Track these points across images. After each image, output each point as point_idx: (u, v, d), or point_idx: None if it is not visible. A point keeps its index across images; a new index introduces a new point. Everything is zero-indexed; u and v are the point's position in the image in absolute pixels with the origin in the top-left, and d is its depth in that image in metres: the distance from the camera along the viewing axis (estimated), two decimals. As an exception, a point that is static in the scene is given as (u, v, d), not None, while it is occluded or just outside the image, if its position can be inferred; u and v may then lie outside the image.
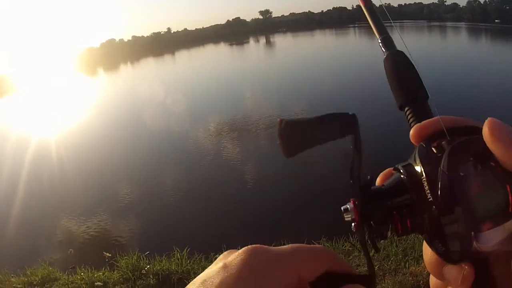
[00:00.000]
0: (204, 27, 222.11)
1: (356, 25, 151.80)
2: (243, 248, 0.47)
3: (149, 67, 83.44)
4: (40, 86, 66.66)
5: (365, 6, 0.82)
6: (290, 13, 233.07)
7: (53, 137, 21.99)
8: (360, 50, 64.71)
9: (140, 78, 57.04)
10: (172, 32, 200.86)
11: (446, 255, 0.46)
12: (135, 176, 14.43)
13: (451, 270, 0.47)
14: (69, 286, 5.34)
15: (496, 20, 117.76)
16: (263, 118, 20.09)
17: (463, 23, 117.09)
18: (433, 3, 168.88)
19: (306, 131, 0.49)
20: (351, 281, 0.47)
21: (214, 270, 0.45)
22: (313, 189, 11.45)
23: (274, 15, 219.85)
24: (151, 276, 5.23)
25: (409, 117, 0.57)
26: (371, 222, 0.48)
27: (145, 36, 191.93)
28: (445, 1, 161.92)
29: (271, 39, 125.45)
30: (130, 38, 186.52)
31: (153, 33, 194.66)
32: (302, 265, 0.47)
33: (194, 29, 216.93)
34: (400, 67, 0.64)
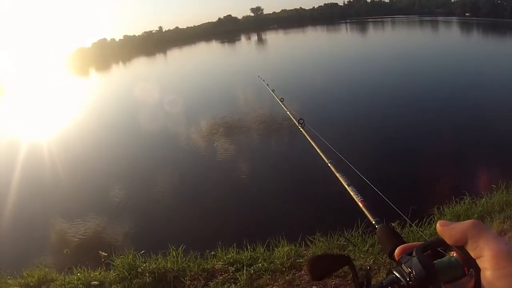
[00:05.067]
0: (195, 25, 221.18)
1: (347, 21, 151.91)
2: None
3: (141, 67, 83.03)
4: (31, 88, 66.11)
5: (363, 205, 1.46)
6: (282, 10, 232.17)
7: (45, 139, 21.91)
8: (350, 43, 64.99)
9: (131, 78, 56.80)
10: (163, 31, 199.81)
11: None
12: (129, 175, 14.42)
13: None
14: (66, 286, 5.36)
15: (466, 14, 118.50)
16: (256, 117, 20.14)
17: (454, 17, 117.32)
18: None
19: (324, 264, 0.82)
20: None
21: None
22: (307, 186, 11.50)
23: (265, 12, 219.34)
24: (147, 275, 5.25)
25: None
26: None
27: (137, 35, 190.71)
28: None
29: (263, 37, 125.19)
30: (122, 38, 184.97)
31: (145, 32, 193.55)
32: None
33: (185, 27, 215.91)
34: (388, 235, 1.10)
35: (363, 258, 5.19)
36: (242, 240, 6.21)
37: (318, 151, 2.42)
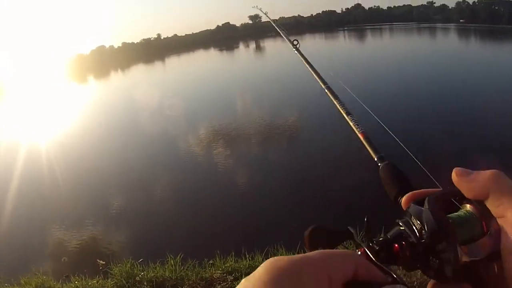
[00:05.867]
0: (194, 32, 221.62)
1: (345, 28, 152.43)
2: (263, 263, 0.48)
3: (139, 74, 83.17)
4: (30, 94, 66.19)
5: (364, 136, 1.23)
6: (280, 17, 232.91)
7: (43, 145, 21.90)
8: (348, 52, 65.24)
9: (130, 86, 56.86)
10: (162, 38, 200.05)
11: (441, 275, 0.58)
12: (127, 183, 14.41)
13: None
14: (63, 295, 5.35)
15: (461, 20, 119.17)
16: (254, 124, 20.15)
17: (452, 24, 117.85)
18: (422, 5, 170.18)
19: (324, 238, 0.70)
20: (382, 284, 0.50)
21: None
22: (304, 192, 11.51)
23: (263, 19, 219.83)
24: (145, 283, 5.24)
25: (400, 201, 0.75)
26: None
27: (135, 42, 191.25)
28: (434, 3, 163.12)
29: (261, 44, 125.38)
30: (120, 45, 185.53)
31: (143, 39, 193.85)
32: (330, 270, 0.48)
33: (184, 34, 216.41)
34: (392, 174, 0.95)
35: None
36: (240, 248, 6.19)
37: (313, 73, 2.10)
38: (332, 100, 1.61)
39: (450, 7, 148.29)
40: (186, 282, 5.24)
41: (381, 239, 0.63)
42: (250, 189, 12.71)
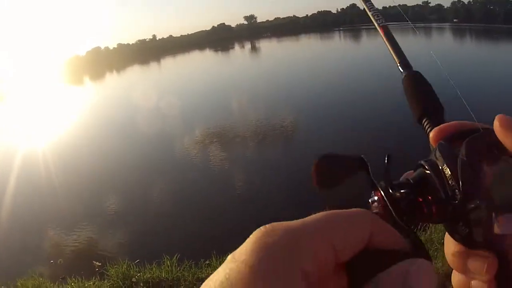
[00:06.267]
0: (189, 33, 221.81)
1: (341, 28, 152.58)
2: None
3: (135, 75, 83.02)
4: (26, 96, 66.09)
5: (384, 33, 0.91)
6: (275, 18, 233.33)
7: (38, 147, 21.81)
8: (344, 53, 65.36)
9: (125, 87, 56.80)
10: (157, 39, 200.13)
11: (469, 240, 0.48)
12: (123, 184, 14.39)
13: (474, 261, 0.48)
14: (60, 296, 5.36)
15: (454, 20, 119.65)
16: (250, 126, 20.15)
17: (447, 24, 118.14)
18: (417, 4, 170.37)
19: (335, 168, 0.54)
20: (400, 257, 0.41)
21: (220, 268, 0.39)
22: (301, 193, 11.52)
23: (259, 20, 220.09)
24: (141, 284, 5.24)
25: (427, 126, 0.64)
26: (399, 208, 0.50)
27: (131, 43, 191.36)
28: (429, 2, 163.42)
29: (257, 45, 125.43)
30: (116, 46, 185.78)
31: (139, 40, 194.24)
32: (337, 239, 0.39)
33: (179, 35, 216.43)
34: (418, 85, 0.73)
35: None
36: (236, 248, 6.18)
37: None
38: None
39: (445, 7, 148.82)
40: (183, 283, 5.24)
41: (402, 182, 0.52)
42: (245, 190, 12.70)
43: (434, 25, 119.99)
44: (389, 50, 0.86)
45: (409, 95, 0.73)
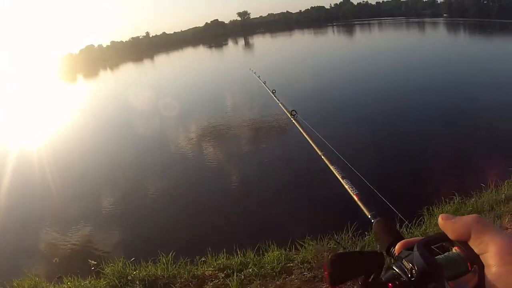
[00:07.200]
0: (182, 30, 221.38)
1: (334, 24, 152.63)
2: None
3: (129, 73, 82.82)
4: (19, 94, 65.71)
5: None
6: (268, 14, 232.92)
7: (33, 146, 21.74)
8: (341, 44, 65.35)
9: (119, 84, 56.70)
10: (150, 36, 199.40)
11: None
12: (117, 182, 14.35)
13: None
14: (56, 295, 5.35)
15: (444, 14, 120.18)
16: (245, 123, 20.14)
17: (441, 18, 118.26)
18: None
19: (349, 264, 0.72)
20: None
21: None
22: (296, 191, 11.53)
23: (252, 16, 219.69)
24: (137, 282, 5.25)
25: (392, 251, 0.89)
26: None
27: (124, 41, 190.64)
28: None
29: (250, 41, 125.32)
30: (109, 44, 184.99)
31: (132, 37, 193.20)
32: None
33: (172, 32, 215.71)
34: (385, 230, 1.07)
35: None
36: (232, 245, 6.20)
37: (311, 142, 2.40)
38: (329, 167, 1.81)
39: (438, 1, 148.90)
40: (178, 280, 5.26)
41: (377, 282, 0.70)
42: (241, 187, 12.70)
43: (427, 19, 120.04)
44: (361, 207, 1.35)
45: (379, 235, 1.09)
